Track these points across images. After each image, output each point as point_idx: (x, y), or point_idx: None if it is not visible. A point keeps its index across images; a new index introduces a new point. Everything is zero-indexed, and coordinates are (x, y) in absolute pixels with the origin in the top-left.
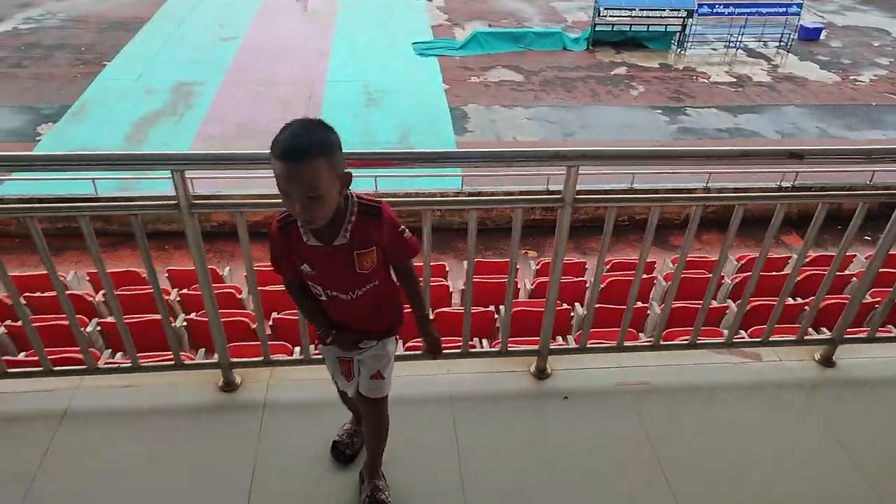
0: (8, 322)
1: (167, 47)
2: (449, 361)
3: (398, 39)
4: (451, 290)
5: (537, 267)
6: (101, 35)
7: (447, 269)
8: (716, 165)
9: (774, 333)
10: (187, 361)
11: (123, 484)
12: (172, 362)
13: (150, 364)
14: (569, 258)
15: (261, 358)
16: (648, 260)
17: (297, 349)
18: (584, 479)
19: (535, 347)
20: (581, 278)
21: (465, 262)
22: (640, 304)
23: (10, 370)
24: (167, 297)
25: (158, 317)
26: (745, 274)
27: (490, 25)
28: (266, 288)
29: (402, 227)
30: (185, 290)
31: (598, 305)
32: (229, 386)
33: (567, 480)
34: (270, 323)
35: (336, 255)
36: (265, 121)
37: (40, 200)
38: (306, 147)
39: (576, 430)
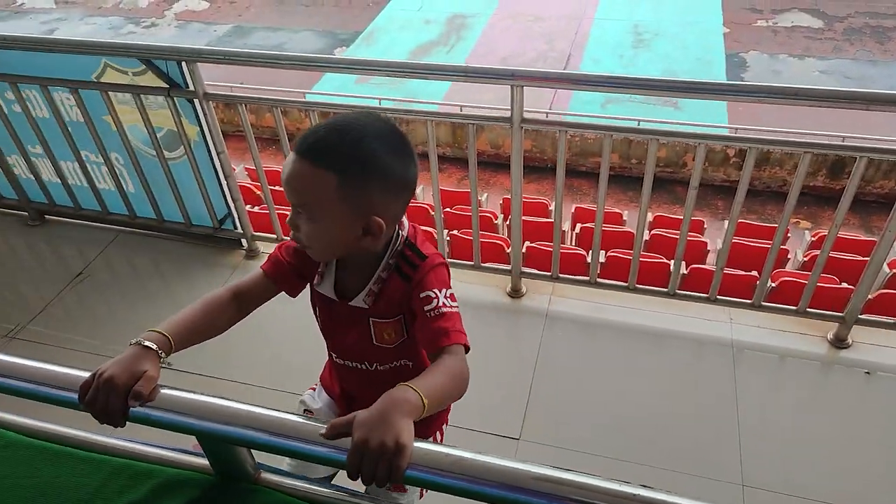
0: None
1: None
2: (733, 310)
3: None
4: (707, 248)
5: (812, 238)
6: None
7: (704, 225)
8: None
9: None
10: (483, 264)
11: None
12: (472, 263)
13: (454, 261)
14: (851, 234)
15: (549, 273)
16: None
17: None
18: (873, 465)
19: (840, 313)
20: (865, 258)
21: (726, 222)
22: None
23: None
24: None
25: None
26: None
27: None
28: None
29: (432, 293)
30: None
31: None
32: (516, 293)
33: (850, 460)
34: (524, 250)
35: (349, 317)
36: (527, 57)
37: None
38: (328, 149)
39: (872, 410)
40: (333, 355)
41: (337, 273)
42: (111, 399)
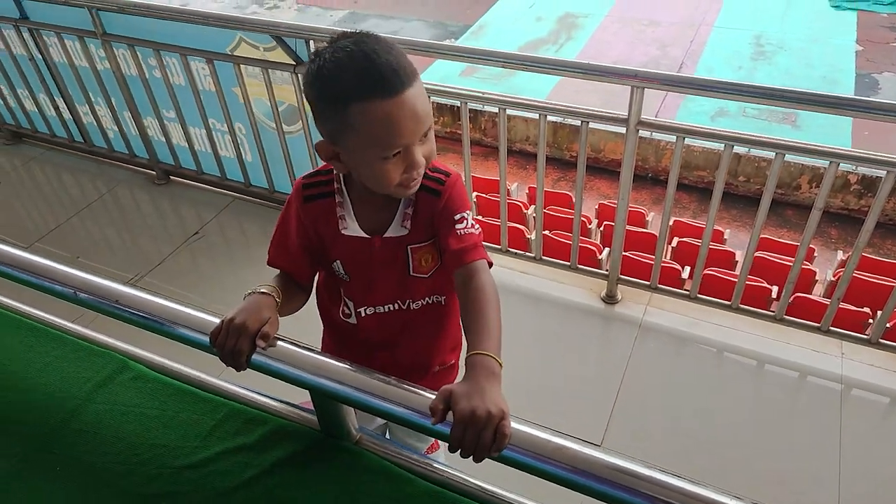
0: None
1: None
2: (846, 344)
3: None
4: (815, 277)
5: None
6: None
7: (815, 253)
8: None
9: None
10: (580, 266)
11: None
12: (568, 263)
13: (551, 259)
14: None
15: (647, 282)
16: None
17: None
18: None
19: None
20: None
21: (839, 252)
22: None
23: None
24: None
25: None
26: None
27: None
28: (633, 228)
29: (465, 214)
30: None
31: None
32: (611, 298)
33: None
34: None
35: (383, 253)
36: (636, 62)
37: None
38: (399, 66)
39: None
40: (361, 310)
41: (356, 212)
42: (240, 341)
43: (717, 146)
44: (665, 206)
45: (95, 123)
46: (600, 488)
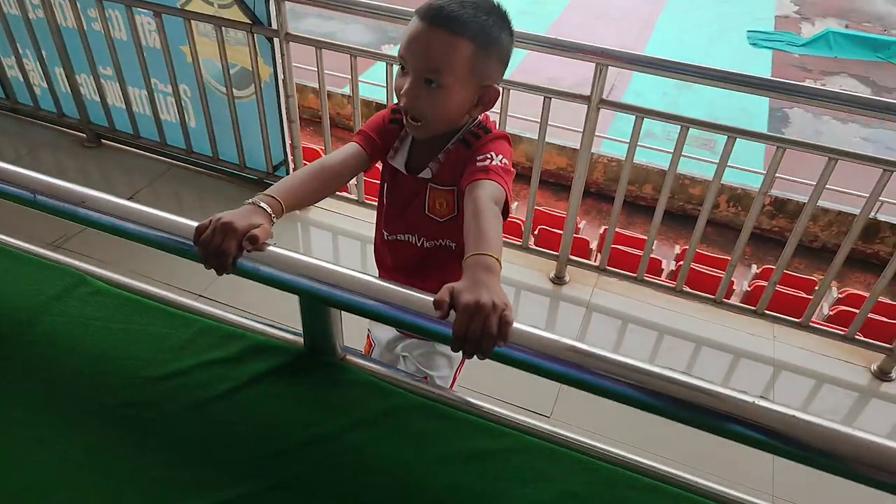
0: None
1: None
2: (777, 327)
3: (734, 24)
4: (733, 288)
5: (840, 295)
6: None
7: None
8: None
9: None
10: (531, 246)
11: None
12: (520, 242)
13: (505, 238)
14: None
15: (596, 263)
16: None
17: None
18: None
19: (890, 346)
20: None
21: (753, 266)
22: None
23: None
24: None
25: None
26: None
27: (847, 27)
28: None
29: (491, 154)
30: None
31: None
32: (559, 279)
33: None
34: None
35: (410, 189)
36: (568, 82)
37: None
38: (462, 19)
39: None
40: (385, 232)
41: (410, 149)
42: (226, 240)
43: (645, 161)
44: (619, 187)
45: (21, 78)
46: (599, 383)
